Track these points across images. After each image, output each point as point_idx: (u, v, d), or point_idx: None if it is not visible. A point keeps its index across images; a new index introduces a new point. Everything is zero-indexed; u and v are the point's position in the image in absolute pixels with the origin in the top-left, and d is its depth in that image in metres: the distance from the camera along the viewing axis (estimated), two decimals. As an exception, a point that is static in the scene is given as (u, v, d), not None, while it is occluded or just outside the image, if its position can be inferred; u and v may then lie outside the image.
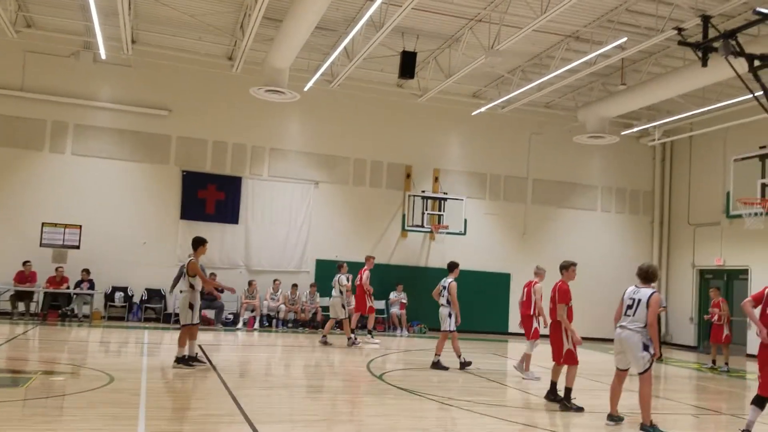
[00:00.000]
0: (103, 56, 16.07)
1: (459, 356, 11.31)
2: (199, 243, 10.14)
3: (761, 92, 10.69)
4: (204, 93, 18.02)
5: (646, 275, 7.14)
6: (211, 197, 18.11)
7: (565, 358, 8.12)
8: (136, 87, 17.61)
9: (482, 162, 20.50)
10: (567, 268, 8.48)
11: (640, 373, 7.02)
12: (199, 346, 10.04)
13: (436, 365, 11.21)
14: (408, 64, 15.05)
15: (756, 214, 10.37)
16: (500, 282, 19.78)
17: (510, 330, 18.93)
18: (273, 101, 16.63)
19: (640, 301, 6.98)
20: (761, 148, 10.65)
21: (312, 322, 17.66)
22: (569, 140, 19.66)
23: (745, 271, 18.50)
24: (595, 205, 21.51)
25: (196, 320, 9.84)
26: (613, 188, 21.68)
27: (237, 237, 18.26)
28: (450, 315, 11.21)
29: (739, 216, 10.83)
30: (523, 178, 20.85)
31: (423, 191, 19.32)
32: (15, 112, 16.68)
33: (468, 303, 17.95)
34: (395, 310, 18.31)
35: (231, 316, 17.29)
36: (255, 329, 16.85)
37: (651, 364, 7.00)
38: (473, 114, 19.42)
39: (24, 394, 7.41)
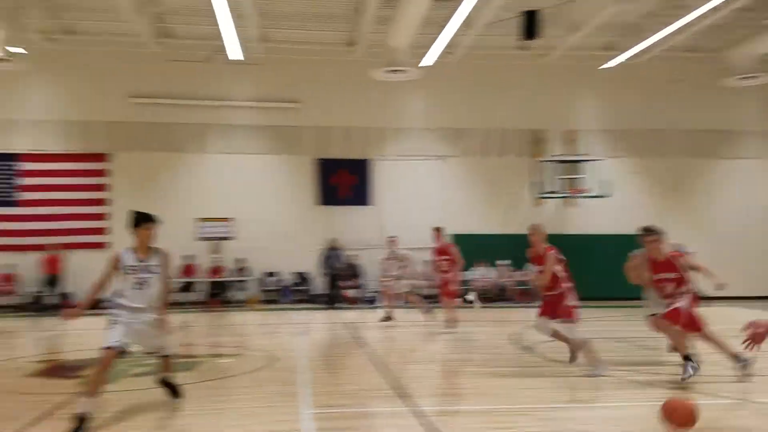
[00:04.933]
0: (235, 57, 16.93)
1: None
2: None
3: None
4: (329, 82, 18.48)
5: None
6: (343, 182, 18.70)
7: None
8: (268, 83, 18.46)
9: (618, 118, 19.33)
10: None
11: None
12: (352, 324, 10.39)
13: None
14: (531, 25, 14.40)
15: None
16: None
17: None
18: (395, 81, 16.72)
19: None
20: None
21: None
22: (713, 85, 17.96)
23: None
24: (755, 152, 19.52)
25: None
26: (775, 132, 19.58)
27: (372, 218, 18.68)
28: None
29: None
30: (666, 131, 19.38)
31: (556, 155, 18.61)
32: (165, 119, 18.11)
33: (617, 268, 17.15)
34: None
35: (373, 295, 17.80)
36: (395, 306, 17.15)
37: None
38: (603, 68, 18.31)
39: (196, 376, 8.06)
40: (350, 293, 17.60)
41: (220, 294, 17.70)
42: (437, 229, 12.66)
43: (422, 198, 18.83)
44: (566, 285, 7.89)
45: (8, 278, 17.03)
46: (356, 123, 18.79)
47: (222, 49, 17.60)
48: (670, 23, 15.34)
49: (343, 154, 18.75)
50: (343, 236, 18.01)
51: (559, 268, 7.87)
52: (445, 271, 12.25)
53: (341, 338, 10.94)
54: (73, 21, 16.57)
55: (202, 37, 17.39)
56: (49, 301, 16.32)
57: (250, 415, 5.91)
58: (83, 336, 10.46)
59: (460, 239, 18.62)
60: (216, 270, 17.87)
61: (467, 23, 15.39)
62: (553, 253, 7.84)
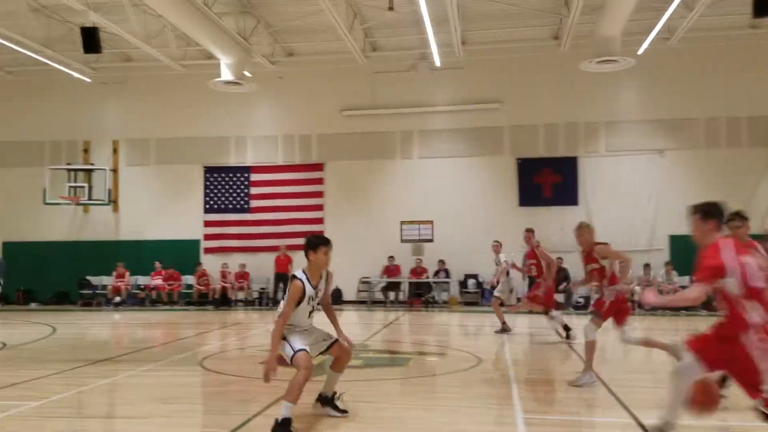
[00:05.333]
0: (438, 63, 17.30)
1: None
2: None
3: None
4: (532, 79, 18.11)
5: None
6: (547, 181, 18.12)
7: None
8: (469, 86, 18.60)
9: None
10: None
11: None
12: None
13: None
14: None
15: None
16: None
17: None
18: (605, 72, 15.82)
19: None
20: None
21: (671, 304, 16.26)
22: None
23: None
24: None
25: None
26: None
27: (578, 218, 17.68)
28: None
29: None
30: None
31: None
32: (371, 128, 19.13)
33: None
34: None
35: (582, 300, 16.99)
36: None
37: None
38: None
39: (404, 372, 8.32)
40: (556, 297, 16.93)
41: (422, 294, 18.18)
42: (529, 231, 11.64)
43: (635, 196, 17.59)
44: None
45: (243, 276, 19.17)
46: (562, 119, 18.14)
47: (425, 57, 18.11)
48: None
49: (547, 153, 18.21)
50: (548, 238, 17.41)
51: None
52: (536, 276, 11.21)
53: (548, 343, 10.56)
54: (293, 44, 18.20)
55: (406, 47, 18.07)
56: (279, 297, 18.06)
57: (461, 414, 5.92)
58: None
59: (679, 241, 17.08)
60: (418, 271, 18.39)
61: (686, 4, 14.06)
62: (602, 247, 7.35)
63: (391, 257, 18.51)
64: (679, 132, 17.53)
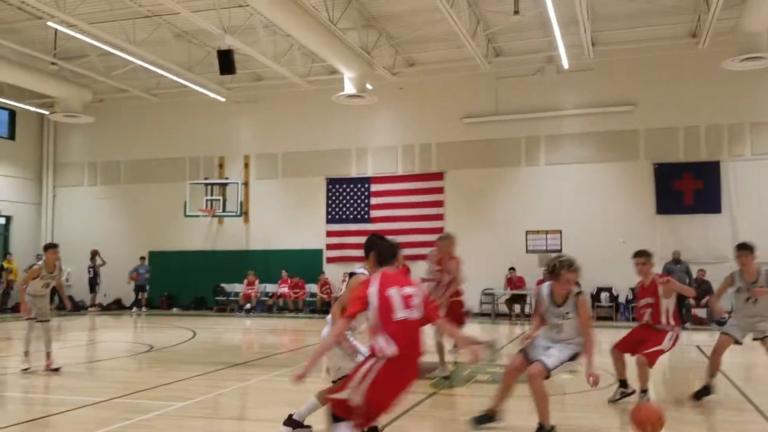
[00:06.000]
0: (566, 66, 16.67)
1: None
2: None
3: None
4: (669, 79, 17.02)
5: None
6: (688, 187, 16.87)
7: None
8: (599, 88, 17.77)
9: None
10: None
11: None
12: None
13: None
14: None
15: None
16: None
17: None
18: (750, 70, 14.53)
19: None
20: None
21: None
22: None
23: None
24: None
25: None
26: None
27: (722, 227, 16.45)
28: None
29: None
30: None
31: None
32: (493, 135, 18.78)
33: None
34: None
35: (726, 316, 15.56)
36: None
37: None
38: None
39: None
40: (698, 312, 15.68)
41: (552, 307, 17.47)
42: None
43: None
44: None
45: (365, 285, 19.43)
46: (703, 121, 16.87)
47: (551, 60, 17.53)
48: None
49: (686, 157, 16.98)
50: (689, 248, 16.20)
51: None
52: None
53: (691, 362, 9.70)
54: (414, 54, 18.29)
55: (531, 50, 17.58)
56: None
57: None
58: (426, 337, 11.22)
59: None
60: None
61: None
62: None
63: (512, 269, 17.93)
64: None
